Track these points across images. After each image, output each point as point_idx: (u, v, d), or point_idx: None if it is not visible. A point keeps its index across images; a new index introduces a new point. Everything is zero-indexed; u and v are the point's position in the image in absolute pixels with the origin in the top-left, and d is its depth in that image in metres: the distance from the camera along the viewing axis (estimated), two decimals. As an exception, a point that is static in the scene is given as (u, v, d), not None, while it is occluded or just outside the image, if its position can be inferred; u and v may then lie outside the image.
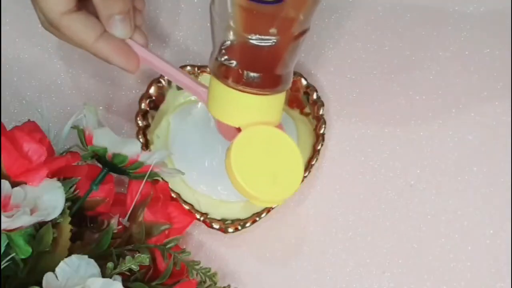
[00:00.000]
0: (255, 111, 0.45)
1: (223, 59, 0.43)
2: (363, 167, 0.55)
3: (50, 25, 0.46)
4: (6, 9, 0.59)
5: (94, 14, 0.47)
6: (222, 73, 0.44)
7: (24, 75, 0.57)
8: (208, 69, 0.54)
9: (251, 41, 0.41)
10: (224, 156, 0.52)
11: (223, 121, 0.46)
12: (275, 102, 0.45)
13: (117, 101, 0.57)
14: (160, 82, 0.55)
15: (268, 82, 0.43)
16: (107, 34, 0.47)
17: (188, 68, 0.55)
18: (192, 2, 0.59)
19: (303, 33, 0.43)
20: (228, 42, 0.43)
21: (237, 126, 0.46)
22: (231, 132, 0.47)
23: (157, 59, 0.49)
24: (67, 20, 0.46)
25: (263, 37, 0.41)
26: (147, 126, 0.54)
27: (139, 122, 0.54)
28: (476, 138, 0.55)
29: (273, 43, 0.41)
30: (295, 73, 0.54)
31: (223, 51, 0.43)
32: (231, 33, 0.42)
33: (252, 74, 0.43)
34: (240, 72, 0.43)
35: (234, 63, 0.43)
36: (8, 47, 0.58)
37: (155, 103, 0.55)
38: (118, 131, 0.55)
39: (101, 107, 0.56)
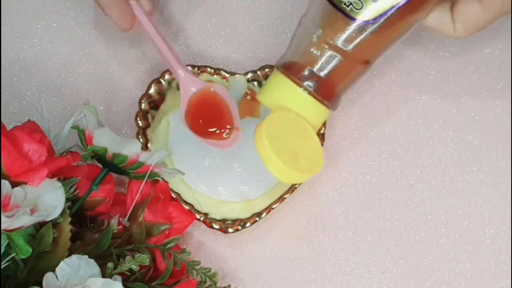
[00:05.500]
0: (299, 105, 0.48)
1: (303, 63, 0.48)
2: (363, 167, 0.55)
3: None
4: (6, 9, 0.59)
5: None
6: (290, 70, 0.48)
7: (24, 75, 0.57)
8: (208, 69, 0.55)
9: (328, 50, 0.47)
10: (224, 156, 0.53)
11: (271, 108, 0.49)
12: (317, 109, 0.48)
13: (117, 101, 0.57)
14: (160, 82, 0.55)
15: (323, 91, 0.48)
16: None
17: (189, 68, 0.55)
18: (193, 2, 0.59)
19: (363, 62, 0.48)
20: (313, 50, 0.47)
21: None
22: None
23: (152, 30, 0.51)
24: None
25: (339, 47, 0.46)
26: (147, 126, 0.54)
27: (139, 122, 0.54)
28: (476, 138, 0.55)
29: (340, 60, 0.47)
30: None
31: (306, 56, 0.47)
32: (318, 41, 0.47)
33: (317, 76, 0.47)
34: (310, 73, 0.47)
35: (309, 67, 0.47)
36: (8, 47, 0.58)
37: (155, 103, 0.55)
38: (118, 131, 0.55)
39: (101, 107, 0.56)
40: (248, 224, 0.52)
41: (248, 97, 0.55)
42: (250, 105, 0.54)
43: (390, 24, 0.46)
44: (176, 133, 0.54)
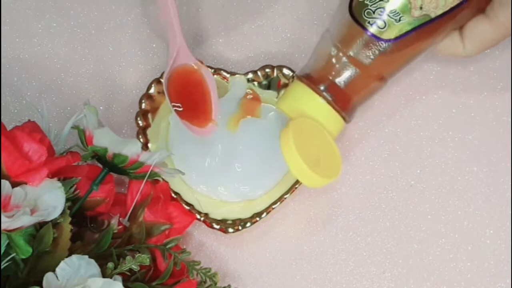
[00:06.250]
0: (318, 114, 0.50)
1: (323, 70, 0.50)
2: (363, 167, 0.55)
3: None
4: (6, 9, 0.59)
5: None
6: (311, 80, 0.50)
7: (24, 75, 0.57)
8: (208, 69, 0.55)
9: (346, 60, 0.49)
10: (224, 156, 0.53)
11: (290, 115, 0.51)
12: (334, 119, 0.50)
13: (117, 101, 0.57)
14: (160, 82, 0.55)
15: (340, 102, 0.50)
16: None
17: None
18: (192, 3, 0.59)
19: (379, 78, 0.49)
20: (334, 62, 0.49)
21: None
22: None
23: None
24: None
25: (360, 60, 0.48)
26: (147, 126, 0.54)
27: (139, 122, 0.54)
28: (476, 138, 0.55)
29: (357, 72, 0.49)
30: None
31: (328, 65, 0.50)
32: (337, 53, 0.49)
33: (335, 88, 0.49)
34: (329, 84, 0.49)
35: (329, 77, 0.49)
36: (8, 47, 0.58)
37: (155, 103, 0.55)
38: (118, 131, 0.55)
39: (101, 107, 0.56)
40: (248, 224, 0.52)
41: (248, 97, 0.55)
42: (250, 105, 0.54)
43: (409, 44, 0.48)
44: (176, 133, 0.54)
